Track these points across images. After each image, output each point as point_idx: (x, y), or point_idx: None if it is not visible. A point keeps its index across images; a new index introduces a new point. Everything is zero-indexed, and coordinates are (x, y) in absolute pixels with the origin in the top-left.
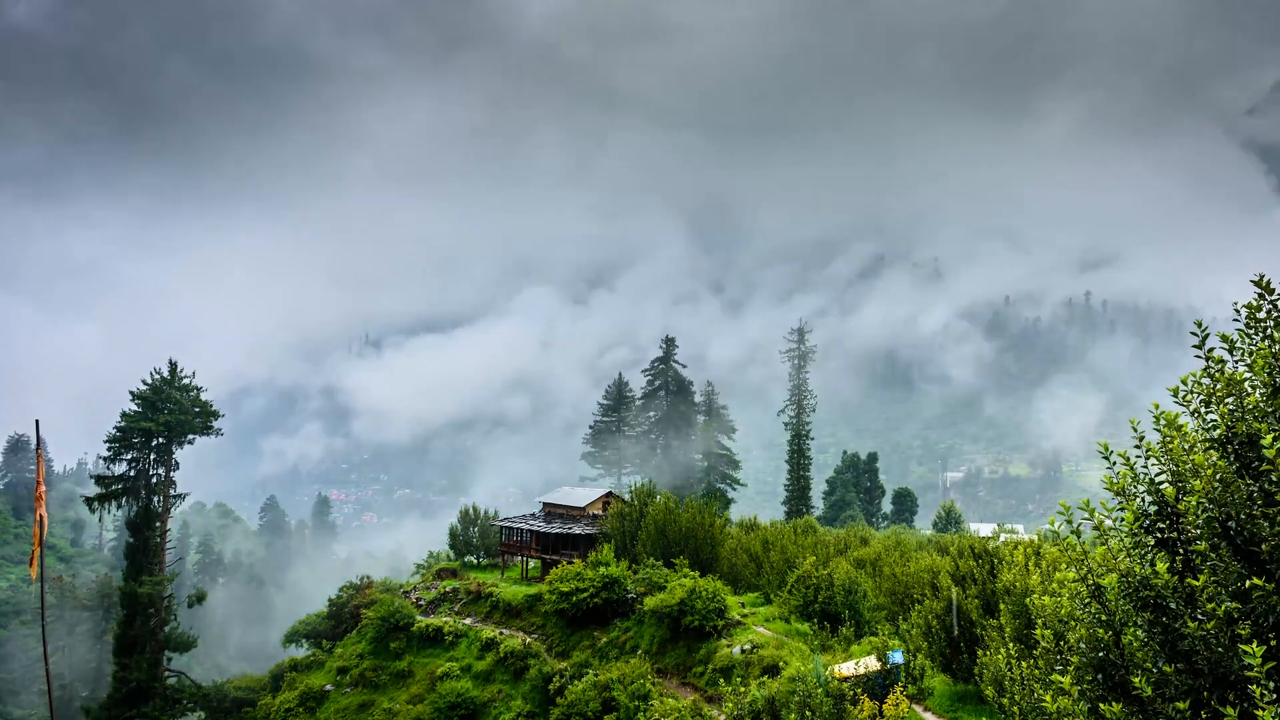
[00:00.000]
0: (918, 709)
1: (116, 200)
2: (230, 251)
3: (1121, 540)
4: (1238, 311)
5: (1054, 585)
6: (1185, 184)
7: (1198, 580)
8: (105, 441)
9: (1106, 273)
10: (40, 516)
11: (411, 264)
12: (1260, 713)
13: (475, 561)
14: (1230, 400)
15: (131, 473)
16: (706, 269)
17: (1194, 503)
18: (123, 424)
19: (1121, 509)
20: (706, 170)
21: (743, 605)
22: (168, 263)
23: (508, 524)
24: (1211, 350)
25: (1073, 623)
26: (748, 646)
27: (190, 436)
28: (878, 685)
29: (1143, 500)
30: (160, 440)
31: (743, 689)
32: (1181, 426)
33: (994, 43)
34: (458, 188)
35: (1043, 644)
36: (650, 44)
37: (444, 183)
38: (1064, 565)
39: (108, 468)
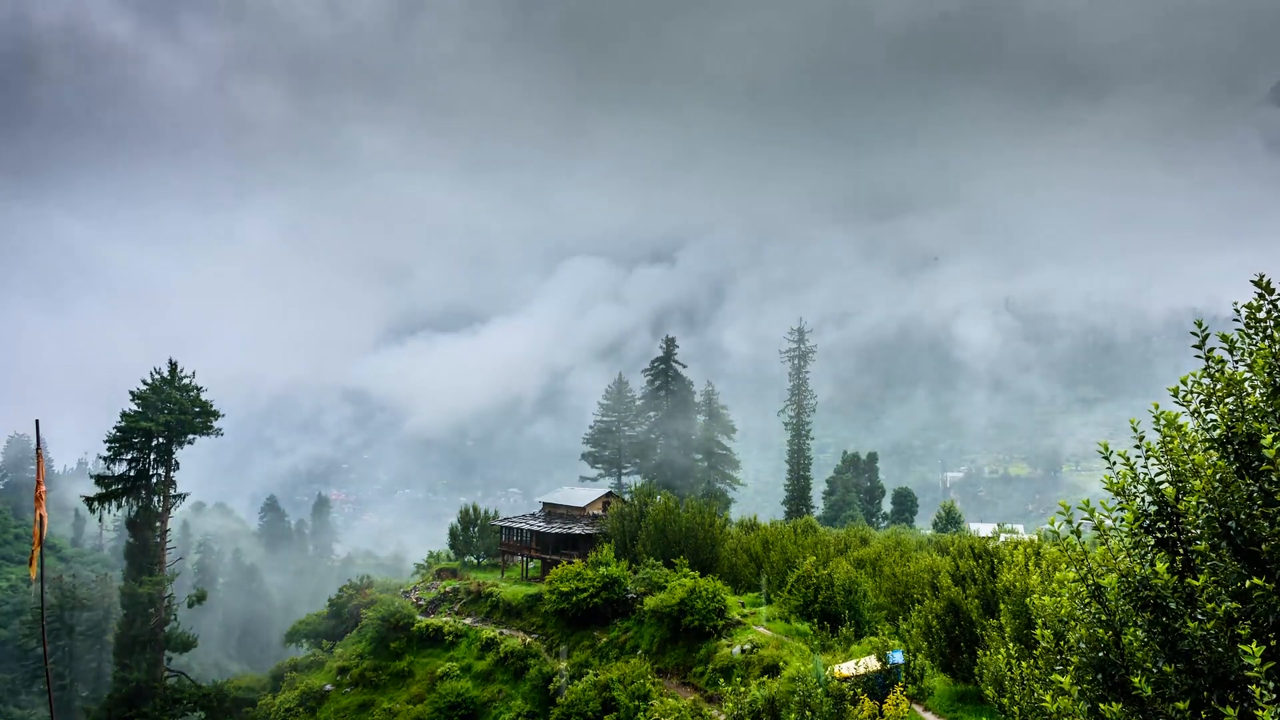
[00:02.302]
0: (918, 709)
1: (120, 193)
2: (235, 248)
3: (1121, 540)
4: (1238, 312)
5: (1054, 585)
6: (1207, 191)
7: (1198, 580)
8: (105, 441)
9: (1117, 276)
10: (40, 516)
11: (432, 258)
12: (1260, 713)
13: (475, 561)
14: (1230, 400)
15: (131, 473)
16: (726, 264)
17: (1194, 503)
18: (123, 424)
19: (1121, 509)
20: (751, 158)
21: (743, 605)
22: (172, 259)
23: (508, 524)
24: (1211, 350)
25: (1073, 623)
26: (748, 646)
27: (190, 436)
28: (878, 685)
29: (1143, 500)
30: (160, 440)
31: (743, 689)
32: (1181, 426)
33: (1034, 47)
34: (491, 179)
35: (1043, 644)
36: (706, 19)
37: (476, 173)
38: (1064, 565)
39: (108, 468)
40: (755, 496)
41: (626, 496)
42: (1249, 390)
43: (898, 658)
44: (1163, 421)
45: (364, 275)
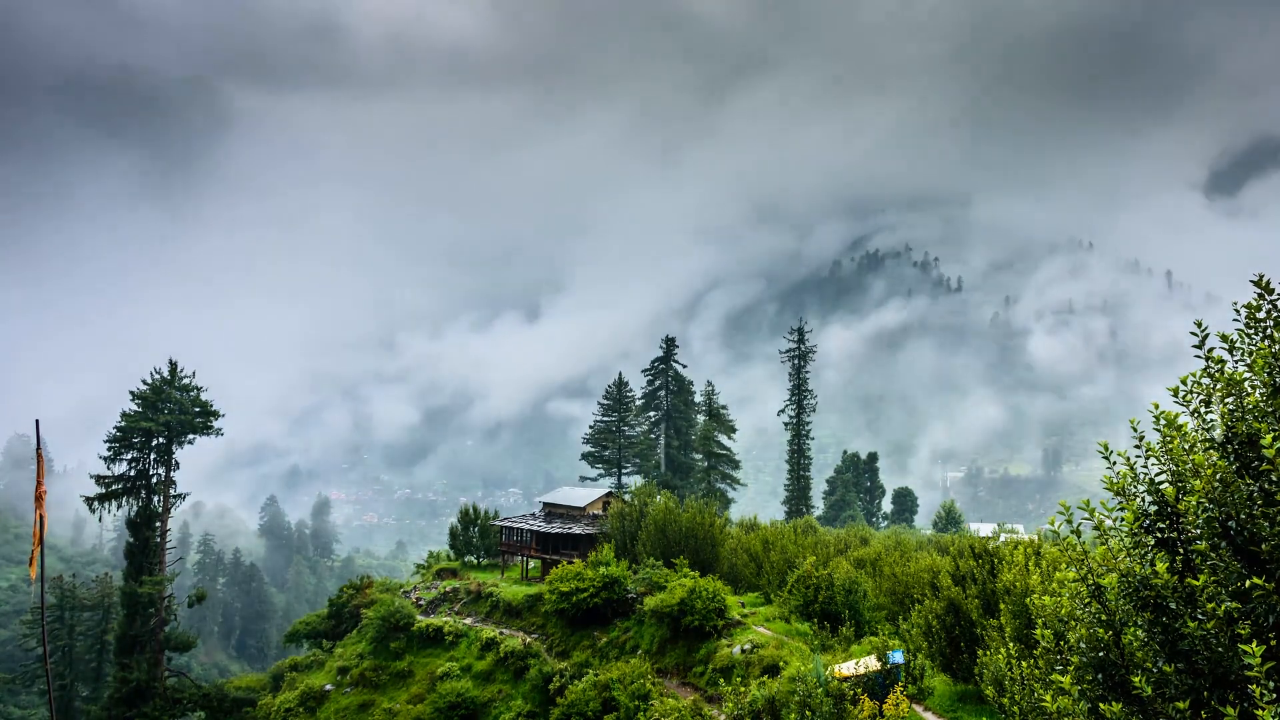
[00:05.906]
0: (918, 709)
1: (128, 187)
2: (221, 252)
3: (1121, 540)
4: (1238, 311)
5: (1054, 585)
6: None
7: (1198, 580)
8: (105, 441)
9: (1130, 279)
10: (40, 516)
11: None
12: (1260, 713)
13: (475, 561)
14: (1230, 400)
15: (131, 473)
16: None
17: (1194, 503)
18: (123, 424)
19: (1121, 509)
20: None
21: (743, 605)
22: (176, 255)
23: (508, 524)
24: (1211, 350)
25: (1073, 622)
26: (748, 646)
27: (190, 436)
28: (878, 685)
29: (1143, 500)
30: (160, 440)
31: (743, 689)
32: (1181, 426)
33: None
34: (542, 170)
35: (1043, 644)
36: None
37: (532, 166)
38: (1064, 565)
39: (108, 468)
40: (755, 496)
41: (626, 496)
42: (1249, 390)
43: (898, 658)
44: (1163, 421)
45: (388, 267)
